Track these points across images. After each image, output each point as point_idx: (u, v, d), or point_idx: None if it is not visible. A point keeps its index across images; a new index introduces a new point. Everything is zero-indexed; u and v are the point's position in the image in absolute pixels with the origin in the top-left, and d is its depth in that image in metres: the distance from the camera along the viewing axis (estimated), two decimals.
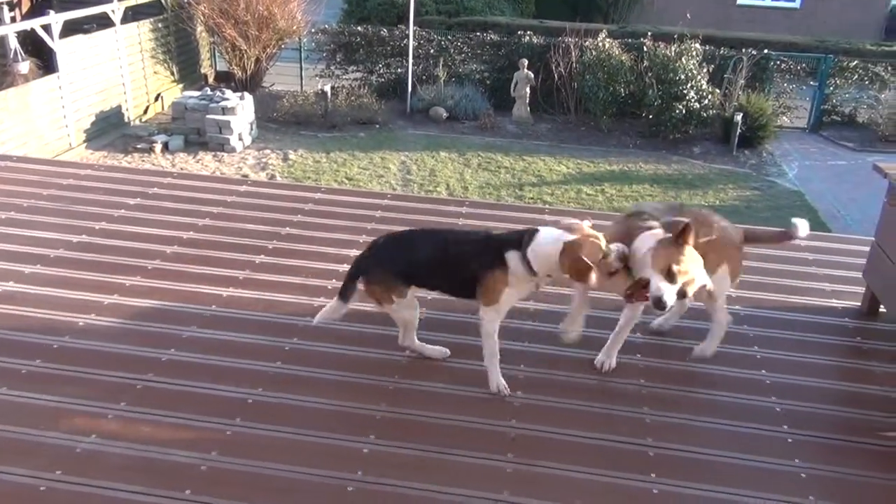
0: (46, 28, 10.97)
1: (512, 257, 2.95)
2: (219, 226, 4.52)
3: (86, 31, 12.35)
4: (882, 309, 3.86)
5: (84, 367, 3.16)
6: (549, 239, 2.91)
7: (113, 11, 12.49)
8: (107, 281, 3.82)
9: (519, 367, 3.32)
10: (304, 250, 4.28)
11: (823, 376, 3.43)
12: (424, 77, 14.69)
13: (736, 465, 2.82)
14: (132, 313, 3.57)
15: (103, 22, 12.64)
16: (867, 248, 3.99)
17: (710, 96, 13.30)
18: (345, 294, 3.18)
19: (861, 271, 4.03)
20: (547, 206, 9.87)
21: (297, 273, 4.02)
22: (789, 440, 2.97)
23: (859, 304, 4.00)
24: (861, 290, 4.03)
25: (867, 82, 15.18)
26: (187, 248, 4.23)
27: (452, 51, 14.95)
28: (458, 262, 3.05)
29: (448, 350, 3.35)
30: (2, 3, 11.97)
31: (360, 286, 3.18)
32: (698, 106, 13.21)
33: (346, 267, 4.06)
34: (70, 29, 11.68)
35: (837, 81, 15.14)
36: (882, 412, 3.17)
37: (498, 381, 3.16)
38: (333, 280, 3.96)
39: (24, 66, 11.36)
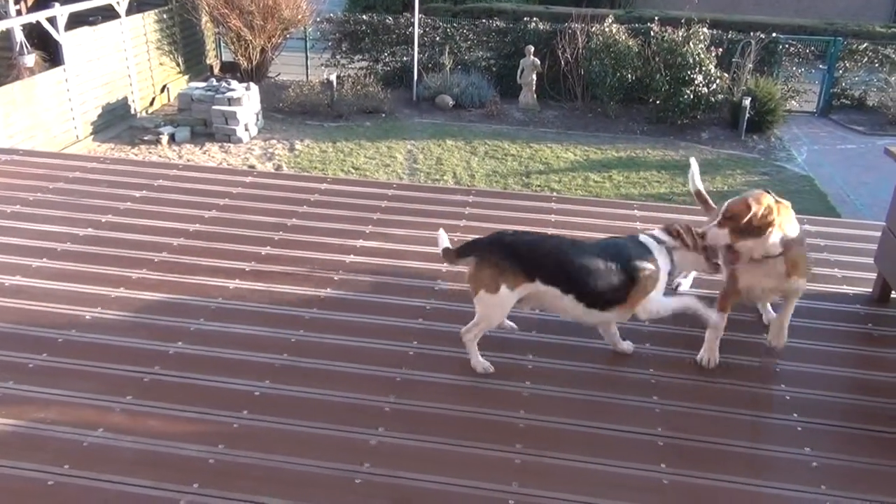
0: (52, 20, 10.96)
1: (645, 240, 3.11)
2: (225, 217, 4.51)
3: (91, 23, 12.33)
4: (894, 295, 3.82)
5: (91, 360, 3.16)
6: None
7: (118, 3, 12.46)
8: (113, 274, 3.82)
9: (527, 357, 3.30)
10: (310, 241, 4.26)
11: (834, 364, 3.40)
12: (430, 65, 14.62)
13: (746, 455, 2.80)
14: (139, 306, 3.57)
15: (108, 14, 12.62)
16: (878, 234, 3.94)
17: (718, 81, 13.19)
18: (446, 254, 3.17)
19: (872, 257, 3.98)
20: (554, 193, 9.83)
21: (303, 264, 4.00)
22: (799, 429, 2.94)
23: (870, 290, 3.96)
24: (872, 276, 3.99)
25: (877, 65, 15.03)
26: (194, 240, 4.22)
27: (458, 38, 14.86)
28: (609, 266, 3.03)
29: (492, 368, 3.19)
30: None
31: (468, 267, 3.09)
32: (706, 91, 13.11)
33: (352, 258, 4.08)
34: (75, 21, 11.66)
35: (847, 64, 15.00)
36: (893, 399, 3.14)
37: (708, 313, 3.19)
38: (340, 271, 3.95)
39: (30, 59, 11.35)
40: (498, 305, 3.05)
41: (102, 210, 4.51)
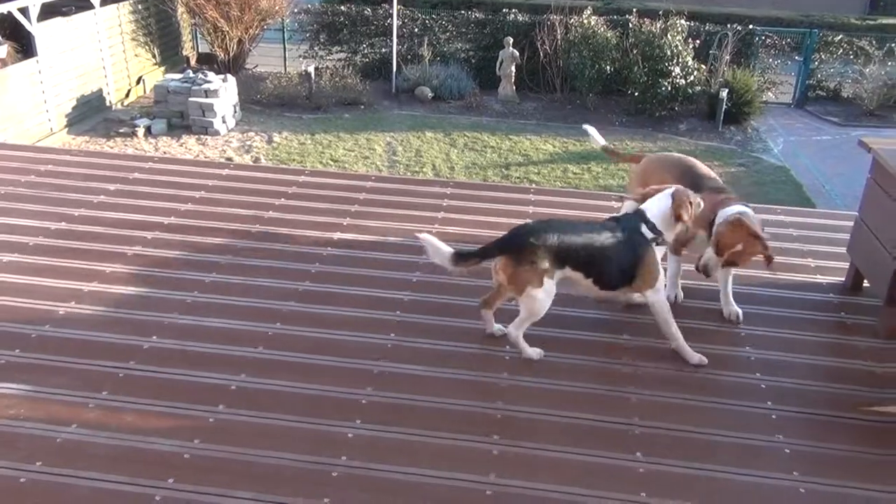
0: (24, 11, 10.78)
1: (644, 229, 3.22)
2: (200, 210, 4.46)
3: (64, 14, 12.14)
4: (866, 284, 3.87)
5: (64, 356, 3.12)
6: (657, 198, 3.30)
7: None
8: (86, 268, 3.77)
9: (504, 349, 3.30)
10: (287, 234, 4.24)
11: (807, 352, 3.44)
12: (409, 57, 14.58)
13: (720, 442, 2.83)
14: (113, 301, 3.53)
15: (82, 4, 12.43)
16: (851, 224, 3.99)
17: (695, 73, 13.28)
18: (462, 260, 3.09)
19: (845, 247, 4.03)
20: (533, 185, 9.84)
21: (279, 257, 3.98)
22: (773, 416, 2.98)
23: (843, 279, 4.01)
24: (845, 265, 4.04)
25: (852, 57, 15.20)
26: (169, 233, 4.17)
27: (437, 29, 14.83)
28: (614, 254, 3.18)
29: (542, 352, 3.25)
30: None
31: (499, 267, 3.10)
32: (684, 82, 13.18)
33: (330, 250, 4.06)
34: (48, 12, 11.48)
35: (822, 56, 15.16)
36: (866, 387, 3.18)
37: (691, 354, 3.29)
38: (317, 263, 3.93)
39: (2, 51, 11.17)
40: (546, 296, 3.12)
41: (75, 204, 4.45)
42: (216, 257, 3.94)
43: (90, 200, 4.51)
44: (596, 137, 4.35)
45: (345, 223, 4.39)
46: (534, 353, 3.24)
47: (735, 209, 3.36)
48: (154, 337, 3.27)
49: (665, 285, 3.38)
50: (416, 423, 2.84)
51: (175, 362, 3.12)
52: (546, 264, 3.07)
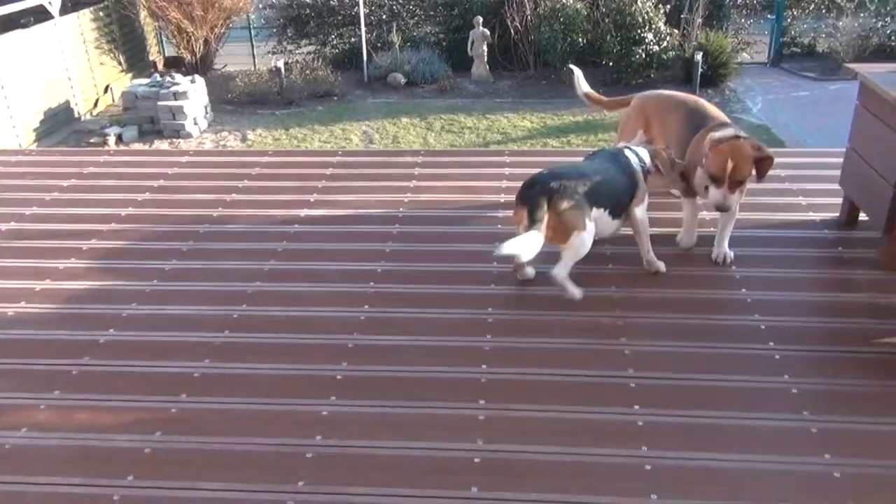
0: None
1: (628, 153, 3.32)
2: (160, 199, 4.23)
3: (23, 26, 11.81)
4: (862, 216, 3.68)
5: (13, 358, 2.89)
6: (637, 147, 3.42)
7: (50, 3, 11.95)
8: (38, 266, 3.54)
9: (487, 311, 3.10)
10: (251, 215, 4.01)
11: (806, 289, 3.26)
12: (379, 44, 14.32)
13: (723, 388, 2.64)
14: (66, 297, 3.30)
15: (41, 15, 12.10)
16: (838, 160, 3.82)
17: (668, 38, 13.08)
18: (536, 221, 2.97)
19: (835, 183, 3.84)
20: (506, 148, 9.64)
21: (244, 238, 3.76)
22: (777, 356, 2.79)
23: (836, 215, 3.83)
24: (837, 201, 3.85)
25: (824, 11, 15.05)
26: (126, 224, 3.95)
27: (405, 14, 14.58)
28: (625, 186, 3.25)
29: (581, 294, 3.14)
30: None
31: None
32: (657, 49, 12.98)
33: (297, 227, 3.85)
34: (5, 25, 11.17)
35: (795, 13, 15.01)
36: (869, 319, 3.00)
37: (657, 263, 3.36)
38: (284, 242, 3.71)
39: None
40: (590, 237, 3.09)
41: (27, 202, 4.21)
42: (177, 244, 3.71)
43: (42, 198, 4.27)
44: (580, 81, 4.24)
45: (312, 199, 4.16)
46: (577, 291, 3.13)
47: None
48: (111, 330, 3.05)
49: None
50: (396, 395, 2.64)
51: (133, 354, 2.90)
52: (584, 206, 3.05)
